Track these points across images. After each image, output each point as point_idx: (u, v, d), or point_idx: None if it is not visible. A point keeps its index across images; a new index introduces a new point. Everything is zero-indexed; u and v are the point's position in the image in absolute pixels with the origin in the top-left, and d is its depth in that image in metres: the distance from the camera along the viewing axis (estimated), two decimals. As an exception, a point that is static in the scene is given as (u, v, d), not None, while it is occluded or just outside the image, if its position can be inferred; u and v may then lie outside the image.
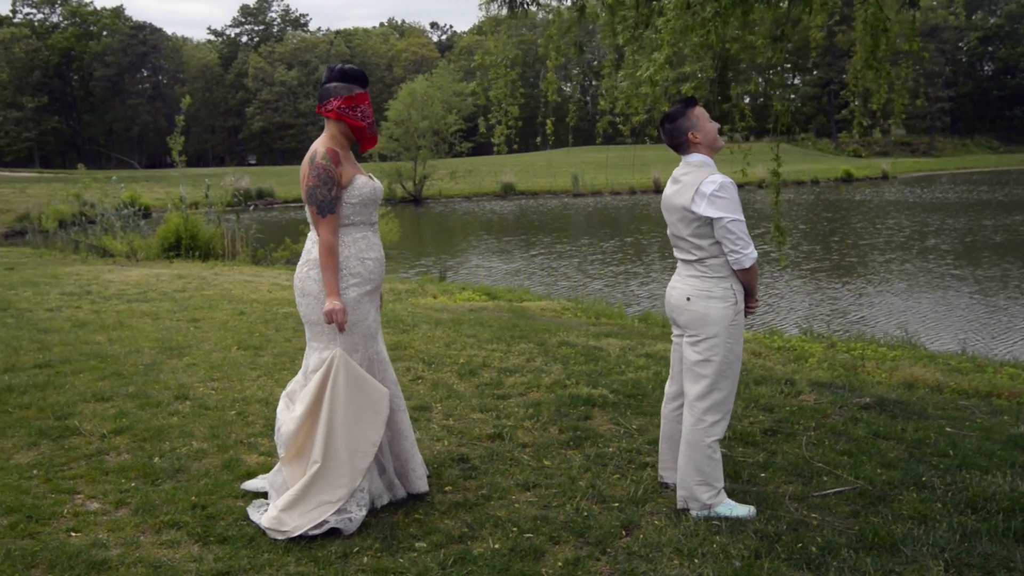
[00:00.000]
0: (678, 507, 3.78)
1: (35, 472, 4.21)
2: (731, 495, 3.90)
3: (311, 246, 3.79)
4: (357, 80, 3.74)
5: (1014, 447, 4.62)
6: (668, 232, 3.87)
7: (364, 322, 3.76)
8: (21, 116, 76.33)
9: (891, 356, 7.20)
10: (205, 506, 3.80)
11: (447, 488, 4.07)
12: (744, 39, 7.10)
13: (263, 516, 3.56)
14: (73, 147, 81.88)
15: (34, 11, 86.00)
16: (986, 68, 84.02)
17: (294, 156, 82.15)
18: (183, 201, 17.80)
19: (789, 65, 78.42)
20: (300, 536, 3.45)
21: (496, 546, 3.42)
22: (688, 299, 3.71)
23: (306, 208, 3.74)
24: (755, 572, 3.18)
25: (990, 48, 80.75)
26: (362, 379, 3.64)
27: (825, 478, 4.14)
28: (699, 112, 3.77)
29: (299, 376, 3.93)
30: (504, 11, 8.14)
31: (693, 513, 3.72)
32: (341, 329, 3.63)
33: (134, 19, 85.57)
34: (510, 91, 8.11)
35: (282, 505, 3.51)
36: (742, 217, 3.60)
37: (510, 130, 8.47)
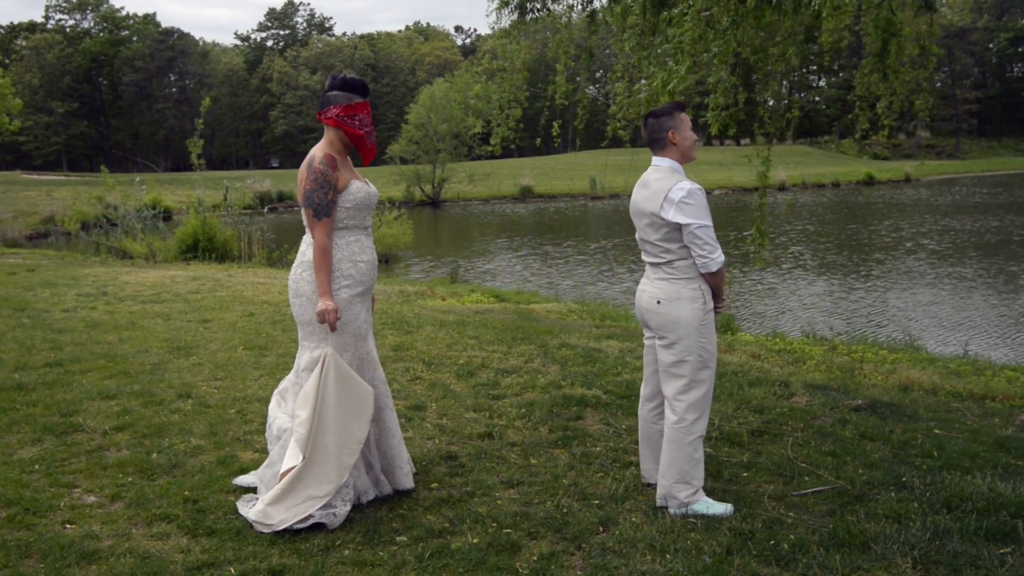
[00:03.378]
0: (657, 504, 3.85)
1: (37, 467, 4.35)
2: (711, 493, 3.97)
3: (306, 248, 3.91)
4: (357, 90, 3.85)
5: (999, 449, 4.64)
6: (637, 236, 3.95)
7: (355, 323, 3.87)
8: (51, 121, 77.54)
9: (891, 359, 7.22)
10: (197, 500, 3.92)
11: (433, 485, 4.16)
12: (755, 44, 7.13)
13: (251, 510, 3.68)
14: (100, 151, 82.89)
15: (66, 17, 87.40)
16: (1015, 70, 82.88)
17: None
18: (201, 204, 18.08)
19: (815, 67, 78.05)
20: (285, 529, 3.56)
21: (475, 540, 3.51)
22: (659, 302, 3.79)
23: (302, 211, 3.85)
24: (725, 568, 3.24)
25: (1020, 49, 79.54)
26: (350, 378, 3.74)
27: (807, 478, 4.19)
28: (684, 117, 3.85)
29: (291, 375, 4.05)
30: (515, 15, 8.23)
31: (671, 511, 3.79)
32: (333, 329, 3.74)
33: (163, 25, 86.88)
34: (513, 95, 8.21)
35: (269, 499, 3.62)
36: (710, 223, 3.68)
37: (511, 131, 8.59)
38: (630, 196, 3.95)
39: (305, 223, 3.86)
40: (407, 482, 4.03)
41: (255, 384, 6.02)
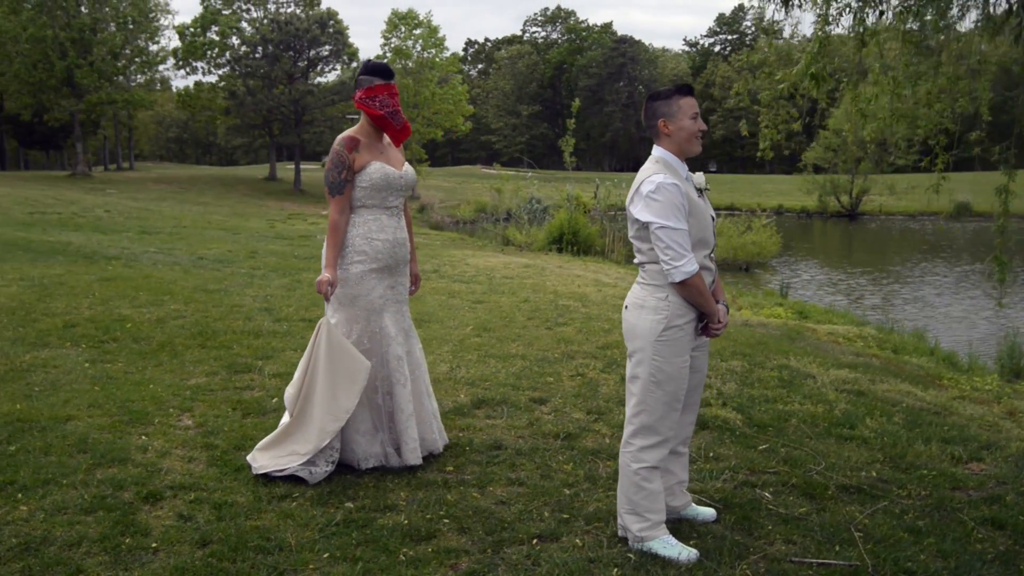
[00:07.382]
0: (618, 534, 3.46)
1: (187, 392, 5.26)
2: (704, 536, 3.45)
3: None
4: (377, 73, 4.08)
5: None
6: None
7: (367, 297, 4.08)
8: (517, 123, 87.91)
9: None
10: (246, 438, 4.43)
11: (448, 468, 4.19)
12: None
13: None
14: (555, 151, 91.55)
15: (539, 30, 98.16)
16: None
17: (753, 165, 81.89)
18: (569, 199, 19.34)
19: None
20: (265, 474, 3.92)
21: (405, 522, 3.51)
22: (626, 307, 3.40)
23: None
24: (592, 610, 2.86)
25: None
26: (342, 348, 3.96)
27: (837, 548, 3.40)
28: (685, 103, 3.33)
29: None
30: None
31: (630, 543, 3.38)
32: (326, 299, 4.01)
33: (620, 33, 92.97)
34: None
35: (260, 445, 4.03)
36: (677, 225, 3.16)
37: (780, 135, 7.85)
38: None
39: None
40: (412, 458, 4.12)
41: (430, 357, 6.44)
